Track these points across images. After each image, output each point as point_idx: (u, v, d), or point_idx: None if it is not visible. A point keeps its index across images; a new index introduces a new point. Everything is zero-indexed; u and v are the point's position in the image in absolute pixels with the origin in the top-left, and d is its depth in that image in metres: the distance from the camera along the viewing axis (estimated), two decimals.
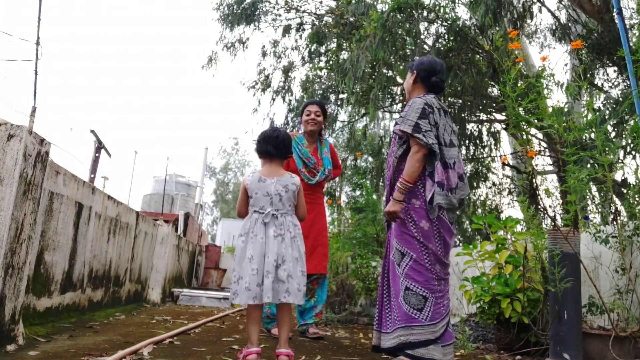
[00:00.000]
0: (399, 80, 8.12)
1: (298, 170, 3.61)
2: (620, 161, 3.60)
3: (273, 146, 2.56)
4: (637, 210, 2.91)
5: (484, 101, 7.51)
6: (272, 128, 2.68)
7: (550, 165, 6.92)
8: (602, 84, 6.71)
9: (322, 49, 9.05)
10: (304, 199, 2.66)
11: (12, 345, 2.38)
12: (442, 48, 6.81)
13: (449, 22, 6.68)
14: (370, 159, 10.54)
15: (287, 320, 2.47)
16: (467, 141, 8.11)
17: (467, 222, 8.47)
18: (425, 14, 6.81)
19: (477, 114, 8.21)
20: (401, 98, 8.36)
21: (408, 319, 2.32)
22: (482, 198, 9.35)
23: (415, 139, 2.40)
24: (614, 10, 3.60)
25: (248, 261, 2.38)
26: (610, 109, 4.88)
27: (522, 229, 3.84)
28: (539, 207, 3.60)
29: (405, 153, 2.48)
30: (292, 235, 2.48)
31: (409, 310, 2.32)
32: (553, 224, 3.02)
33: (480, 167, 8.83)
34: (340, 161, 4.13)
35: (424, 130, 2.40)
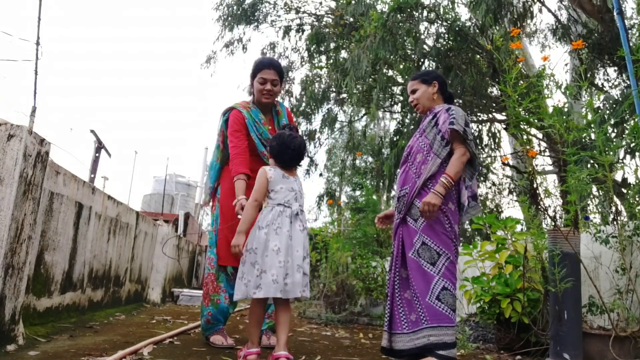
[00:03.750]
0: (400, 80, 8.12)
1: (258, 152, 3.00)
2: (620, 161, 3.60)
3: (290, 157, 2.53)
4: (637, 210, 2.91)
5: (484, 101, 7.51)
6: (289, 133, 2.55)
7: (551, 165, 6.91)
8: (603, 84, 6.71)
9: (322, 49, 9.05)
10: None
11: (12, 345, 2.38)
12: (442, 48, 6.81)
13: (449, 22, 6.68)
14: (370, 159, 10.55)
15: (288, 319, 2.44)
16: None
17: (467, 222, 8.47)
18: (425, 13, 6.81)
19: (478, 114, 8.21)
20: (401, 98, 8.36)
21: (443, 319, 2.32)
22: (482, 198, 9.35)
23: (466, 144, 2.48)
24: (614, 10, 3.60)
25: (275, 253, 2.31)
26: (610, 109, 4.87)
27: (522, 229, 3.83)
28: (540, 207, 3.59)
29: (449, 155, 2.53)
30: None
31: (445, 311, 2.33)
32: (553, 224, 3.02)
33: (480, 167, 8.84)
34: (296, 124, 3.88)
35: (470, 138, 2.50)
